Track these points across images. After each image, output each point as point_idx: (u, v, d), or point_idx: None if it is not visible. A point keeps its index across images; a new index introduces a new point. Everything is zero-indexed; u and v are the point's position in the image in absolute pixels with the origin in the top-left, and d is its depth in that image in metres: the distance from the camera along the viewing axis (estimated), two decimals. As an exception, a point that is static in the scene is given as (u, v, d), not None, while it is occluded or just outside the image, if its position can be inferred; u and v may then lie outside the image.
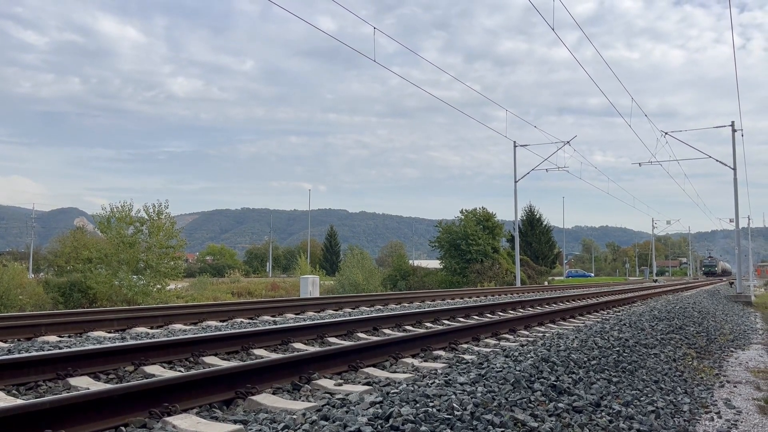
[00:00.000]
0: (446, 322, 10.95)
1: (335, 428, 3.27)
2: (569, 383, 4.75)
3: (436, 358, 6.79)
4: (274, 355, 6.72)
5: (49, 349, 6.77)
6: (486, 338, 8.55)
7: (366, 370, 5.80)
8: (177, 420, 3.84)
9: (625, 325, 9.14)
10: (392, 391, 4.12)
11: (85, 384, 5.05)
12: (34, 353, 5.76)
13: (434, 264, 53.58)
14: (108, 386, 4.71)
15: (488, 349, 7.35)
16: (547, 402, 4.15)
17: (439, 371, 5.37)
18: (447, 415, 3.54)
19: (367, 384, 5.19)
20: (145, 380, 4.31)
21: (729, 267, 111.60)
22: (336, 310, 13.70)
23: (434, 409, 3.61)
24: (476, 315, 12.36)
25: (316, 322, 8.94)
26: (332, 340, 8.20)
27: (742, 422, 5.01)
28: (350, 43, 14.99)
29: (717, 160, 29.80)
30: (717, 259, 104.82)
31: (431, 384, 4.35)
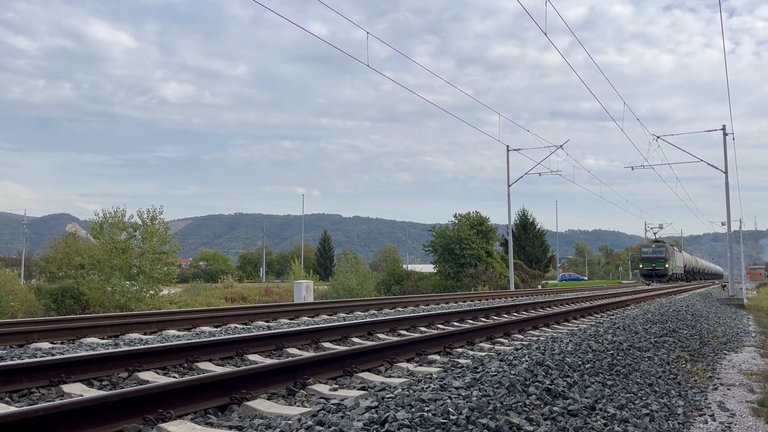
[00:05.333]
0: (441, 326, 10.96)
1: (331, 433, 3.26)
2: (564, 387, 4.76)
3: (431, 363, 6.79)
4: (268, 361, 6.70)
5: (41, 356, 6.73)
6: (481, 342, 8.56)
7: (361, 374, 5.80)
8: (172, 426, 3.83)
9: (618, 328, 9.17)
10: (387, 396, 4.12)
11: (78, 391, 5.03)
12: (27, 360, 5.72)
13: (428, 268, 53.60)
14: (102, 393, 4.69)
15: (483, 353, 7.35)
16: (542, 406, 4.16)
17: (434, 375, 5.36)
18: (442, 419, 3.55)
19: (363, 389, 5.18)
20: (139, 386, 4.29)
21: (713, 266, 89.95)
22: (330, 315, 13.67)
23: (429, 414, 3.61)
24: (471, 319, 12.37)
25: (310, 327, 8.91)
26: (327, 345, 8.20)
27: (735, 425, 5.03)
28: (343, 48, 15.12)
29: (708, 164, 29.91)
30: (671, 247, 59.69)
31: (426, 388, 4.35)
